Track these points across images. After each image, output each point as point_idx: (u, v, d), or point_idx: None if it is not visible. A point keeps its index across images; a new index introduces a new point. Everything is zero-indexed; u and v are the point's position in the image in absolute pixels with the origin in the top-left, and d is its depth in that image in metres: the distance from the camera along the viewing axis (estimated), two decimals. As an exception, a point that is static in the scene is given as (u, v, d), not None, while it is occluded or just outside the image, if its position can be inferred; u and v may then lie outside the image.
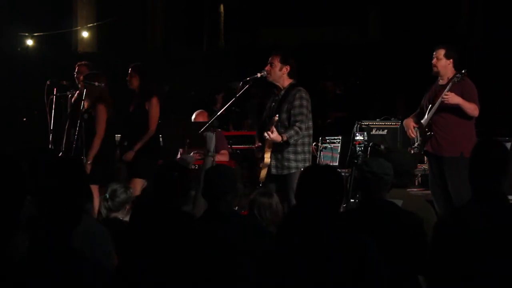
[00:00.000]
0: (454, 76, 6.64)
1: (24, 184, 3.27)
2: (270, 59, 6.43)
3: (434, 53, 6.79)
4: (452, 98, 6.53)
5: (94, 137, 7.17)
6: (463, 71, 6.61)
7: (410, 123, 6.88)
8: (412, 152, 6.86)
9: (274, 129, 6.17)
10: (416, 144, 6.81)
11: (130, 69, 7.52)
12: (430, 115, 6.69)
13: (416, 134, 6.84)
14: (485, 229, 3.25)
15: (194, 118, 8.20)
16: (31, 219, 3.50)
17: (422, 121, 6.78)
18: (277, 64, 6.38)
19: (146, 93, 7.44)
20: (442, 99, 6.54)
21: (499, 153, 3.51)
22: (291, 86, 6.39)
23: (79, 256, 3.06)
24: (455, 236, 3.36)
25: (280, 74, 6.39)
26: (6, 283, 2.94)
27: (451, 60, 6.74)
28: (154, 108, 7.46)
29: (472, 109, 6.60)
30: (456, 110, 6.59)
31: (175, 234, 3.87)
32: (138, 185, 7.22)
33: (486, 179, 3.44)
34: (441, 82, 6.79)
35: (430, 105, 6.72)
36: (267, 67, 6.41)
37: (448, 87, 6.58)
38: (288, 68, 6.38)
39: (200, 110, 8.44)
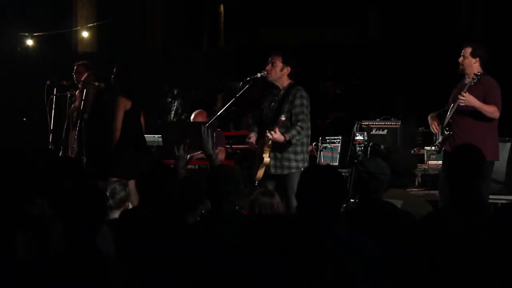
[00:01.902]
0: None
1: (29, 183, 3.28)
2: (271, 58, 6.41)
3: (462, 51, 6.73)
4: (468, 100, 6.44)
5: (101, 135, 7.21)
6: (478, 73, 6.53)
7: (433, 119, 6.82)
8: (434, 149, 6.83)
9: (277, 130, 6.17)
10: (437, 142, 6.77)
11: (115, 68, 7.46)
12: (450, 114, 6.63)
13: (438, 132, 6.79)
14: (464, 233, 3.27)
15: (193, 118, 8.20)
16: (42, 220, 3.52)
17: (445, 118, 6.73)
18: (279, 64, 6.37)
19: (114, 92, 7.35)
20: (458, 101, 6.48)
21: (474, 159, 3.58)
22: (290, 86, 6.39)
23: (104, 256, 3.08)
24: (434, 239, 3.40)
25: (281, 75, 6.39)
26: (8, 281, 2.95)
27: (477, 58, 6.65)
28: (118, 107, 7.26)
29: (490, 112, 6.50)
30: (476, 111, 6.51)
31: (168, 234, 3.87)
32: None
33: (462, 183, 3.51)
34: (467, 80, 6.71)
35: (452, 104, 6.65)
36: (268, 67, 6.40)
37: (465, 88, 6.52)
38: (289, 69, 6.37)
39: (199, 110, 8.44)
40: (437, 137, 6.79)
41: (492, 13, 12.78)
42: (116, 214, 5.03)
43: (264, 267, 3.24)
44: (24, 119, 12.14)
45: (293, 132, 6.24)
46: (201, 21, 15.71)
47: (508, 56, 11.20)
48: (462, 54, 6.70)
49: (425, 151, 8.50)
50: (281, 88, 6.42)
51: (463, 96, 6.43)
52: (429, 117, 6.92)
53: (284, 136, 6.21)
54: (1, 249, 3.24)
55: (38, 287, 2.95)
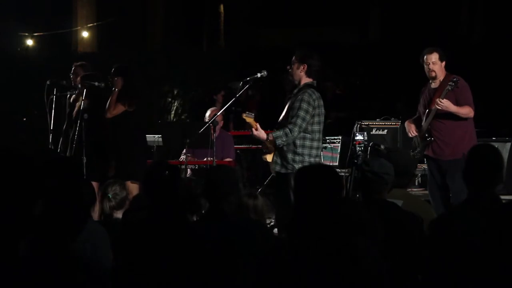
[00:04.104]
0: (447, 83, 6.61)
1: (35, 184, 3.27)
2: (292, 59, 6.38)
3: (425, 58, 6.73)
4: (446, 106, 6.54)
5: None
6: (455, 79, 6.58)
7: (411, 124, 6.89)
8: (413, 156, 6.86)
9: (258, 126, 6.14)
10: (418, 149, 6.81)
11: (113, 70, 7.45)
12: (428, 121, 6.70)
13: (417, 139, 6.84)
14: (478, 230, 3.26)
15: (209, 115, 8.14)
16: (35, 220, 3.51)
17: (422, 124, 6.78)
18: (295, 63, 6.31)
19: (129, 95, 7.37)
20: (437, 107, 6.54)
21: (493, 157, 3.59)
22: (304, 86, 6.30)
23: (76, 259, 3.06)
24: (449, 237, 3.38)
25: (298, 73, 6.29)
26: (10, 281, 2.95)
27: (444, 62, 6.76)
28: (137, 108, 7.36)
29: (466, 113, 6.61)
30: (453, 114, 6.61)
31: (171, 235, 3.87)
32: (135, 188, 7.12)
33: (481, 182, 3.51)
34: (433, 85, 6.78)
35: (427, 111, 6.72)
36: (288, 67, 6.37)
37: (442, 95, 6.57)
38: (305, 67, 6.28)
39: (214, 108, 8.43)
40: (417, 143, 6.83)
41: (492, 13, 12.80)
42: (119, 214, 5.05)
43: (264, 267, 3.24)
44: (24, 119, 12.13)
45: (279, 133, 6.13)
46: (201, 21, 15.73)
47: (508, 56, 11.22)
48: (429, 61, 6.71)
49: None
50: (298, 87, 6.36)
51: (441, 102, 6.50)
52: (406, 124, 7.00)
53: (268, 135, 6.16)
54: (3, 250, 3.24)
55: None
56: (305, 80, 6.28)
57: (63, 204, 3.11)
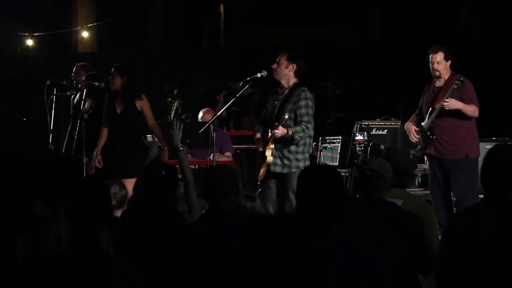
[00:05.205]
0: (453, 81, 6.61)
1: (32, 184, 3.28)
2: (278, 57, 6.42)
3: (430, 57, 6.74)
4: (452, 104, 6.53)
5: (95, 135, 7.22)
6: (462, 78, 6.59)
7: (411, 127, 6.86)
8: (414, 154, 6.85)
9: (280, 127, 6.18)
10: (418, 147, 6.80)
11: (113, 70, 7.42)
12: (431, 119, 6.68)
13: (418, 137, 6.83)
14: (495, 233, 3.23)
15: (201, 117, 8.16)
16: (38, 221, 3.52)
17: (423, 124, 6.77)
18: (284, 62, 6.36)
19: (133, 93, 7.34)
20: (443, 106, 6.54)
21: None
22: (295, 86, 6.38)
23: (107, 257, 3.08)
24: (466, 240, 3.36)
25: (286, 72, 6.37)
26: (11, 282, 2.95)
27: (449, 61, 6.75)
28: (147, 105, 7.37)
29: (472, 111, 6.61)
30: (457, 112, 6.60)
31: (169, 234, 3.87)
32: (130, 185, 7.11)
33: (498, 184, 3.44)
34: (438, 84, 6.77)
35: (430, 109, 6.70)
36: (274, 65, 6.41)
37: (448, 93, 6.57)
38: (294, 67, 6.36)
39: (207, 109, 8.42)
40: (418, 143, 6.82)
41: (492, 13, 12.80)
42: (118, 213, 5.06)
43: (263, 267, 3.24)
44: (24, 119, 12.13)
45: (298, 128, 6.24)
46: (201, 21, 15.74)
47: (508, 56, 11.23)
48: (433, 61, 6.70)
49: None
50: (286, 87, 6.41)
51: (447, 102, 6.50)
52: (405, 126, 6.98)
53: (287, 130, 6.21)
54: (4, 250, 3.24)
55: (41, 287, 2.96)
56: (293, 80, 6.40)
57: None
